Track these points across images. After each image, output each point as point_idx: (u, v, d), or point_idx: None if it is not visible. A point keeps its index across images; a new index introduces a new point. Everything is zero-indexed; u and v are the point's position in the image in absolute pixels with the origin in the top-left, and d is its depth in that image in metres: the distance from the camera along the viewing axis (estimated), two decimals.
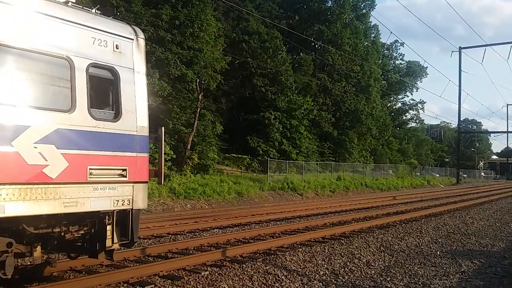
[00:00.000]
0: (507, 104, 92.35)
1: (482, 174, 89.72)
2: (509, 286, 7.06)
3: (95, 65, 5.68)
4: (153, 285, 6.58)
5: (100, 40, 5.75)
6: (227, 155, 32.35)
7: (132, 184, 5.96)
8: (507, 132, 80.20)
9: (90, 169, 5.47)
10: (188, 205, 20.38)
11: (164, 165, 23.41)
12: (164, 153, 23.31)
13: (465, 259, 9.44)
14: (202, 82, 26.87)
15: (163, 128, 6.58)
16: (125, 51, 6.07)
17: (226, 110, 35.29)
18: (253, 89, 35.36)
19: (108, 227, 5.81)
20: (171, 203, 19.89)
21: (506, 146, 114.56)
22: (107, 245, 5.84)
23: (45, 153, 5.03)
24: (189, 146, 25.24)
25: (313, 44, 44.86)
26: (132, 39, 6.16)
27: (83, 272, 7.23)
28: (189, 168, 24.84)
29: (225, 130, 30.94)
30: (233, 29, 34.99)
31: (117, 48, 5.93)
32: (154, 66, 23.17)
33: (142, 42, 6.33)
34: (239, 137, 34.08)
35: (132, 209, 5.98)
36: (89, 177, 5.46)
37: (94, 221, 5.83)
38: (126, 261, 8.16)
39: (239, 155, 32.89)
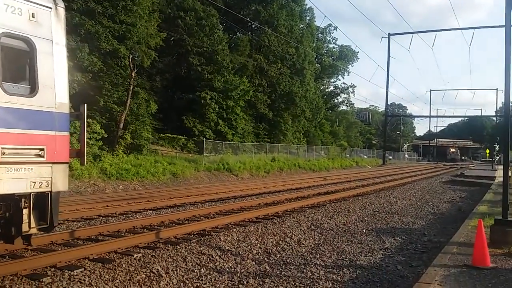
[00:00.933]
0: (430, 90, 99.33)
1: (406, 156, 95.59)
2: (428, 261, 7.64)
3: (7, 35, 5.22)
4: (82, 269, 6.35)
5: (14, 7, 5.28)
6: (161, 135, 31.67)
7: (50, 165, 5.61)
8: (430, 116, 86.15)
9: (2, 148, 5.10)
10: (121, 186, 19.82)
11: (93, 145, 22.10)
12: (94, 132, 22.50)
13: (389, 236, 10.07)
14: (136, 58, 25.89)
15: (85, 105, 6.19)
16: (43, 21, 5.62)
17: (161, 89, 34.38)
18: (189, 67, 34.73)
19: (25, 211, 5.49)
20: (102, 184, 19.23)
21: (428, 129, 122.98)
22: (23, 230, 5.54)
23: None
24: (121, 125, 24.40)
25: (249, 24, 44.75)
26: (51, 8, 5.71)
27: (7, 257, 6.84)
28: (122, 148, 24.07)
29: (160, 109, 30.18)
30: (168, 5, 33.86)
31: (33, 17, 5.48)
32: (83, 39, 21.98)
33: (62, 11, 5.88)
34: (175, 117, 33.46)
35: (51, 192, 5.64)
36: (2, 157, 5.09)
37: (8, 204, 5.47)
38: (54, 245, 7.82)
39: (174, 135, 32.36)
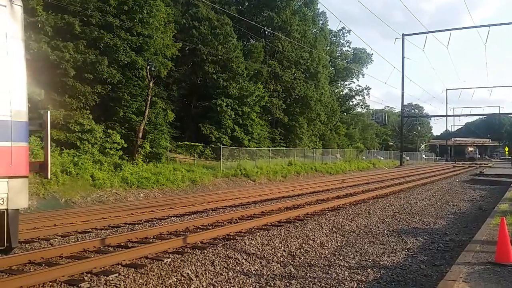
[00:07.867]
0: (446, 89, 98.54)
1: (424, 156, 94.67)
2: (451, 260, 7.74)
3: None
4: (117, 274, 6.65)
5: None
6: (179, 143, 32.14)
7: (6, 180, 4.96)
8: (446, 116, 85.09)
9: None
10: (141, 195, 20.22)
11: (114, 154, 22.11)
12: (115, 142, 22.90)
13: (410, 236, 10.16)
14: (153, 69, 26.44)
15: (48, 112, 5.54)
16: None
17: (177, 98, 34.95)
18: (205, 76, 35.24)
19: None
20: (124, 193, 19.66)
21: (445, 129, 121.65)
22: None
23: None
24: (140, 135, 24.90)
25: (262, 30, 45.18)
26: (5, 6, 5.15)
27: (43, 265, 7.18)
28: (141, 157, 24.57)
29: (177, 118, 30.70)
30: (182, 15, 34.53)
31: None
32: (102, 52, 22.60)
33: (18, 9, 5.27)
34: (191, 125, 33.97)
35: (7, 210, 4.97)
36: None
37: None
38: (86, 252, 8.15)
39: (192, 143, 32.81)
